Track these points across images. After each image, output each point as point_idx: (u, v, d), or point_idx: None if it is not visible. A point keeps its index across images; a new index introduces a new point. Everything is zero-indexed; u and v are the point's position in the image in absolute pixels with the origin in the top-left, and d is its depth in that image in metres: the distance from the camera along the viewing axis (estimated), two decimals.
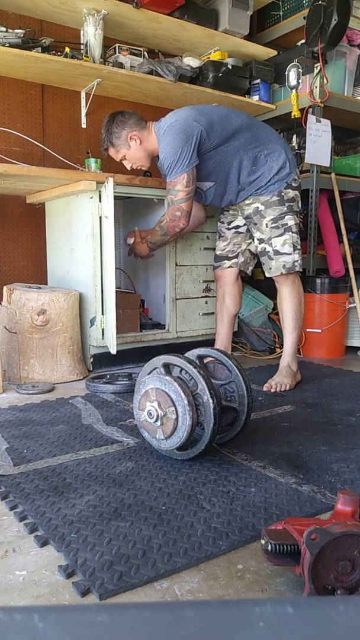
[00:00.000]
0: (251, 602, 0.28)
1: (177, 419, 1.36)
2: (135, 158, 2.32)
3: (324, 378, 2.50)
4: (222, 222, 2.52)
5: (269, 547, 0.87)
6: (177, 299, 2.78)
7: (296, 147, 3.50)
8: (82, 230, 2.54)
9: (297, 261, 2.29)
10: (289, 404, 2.06)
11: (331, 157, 3.12)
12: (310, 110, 2.99)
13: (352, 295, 3.03)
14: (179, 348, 2.76)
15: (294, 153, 3.57)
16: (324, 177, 3.06)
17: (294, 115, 2.97)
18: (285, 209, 2.28)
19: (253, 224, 2.36)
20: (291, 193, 2.29)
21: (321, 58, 2.91)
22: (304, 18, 2.95)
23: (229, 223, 2.48)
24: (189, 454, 1.43)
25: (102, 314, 2.49)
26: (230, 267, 2.47)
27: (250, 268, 2.55)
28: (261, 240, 2.33)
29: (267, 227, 2.30)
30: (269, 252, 2.30)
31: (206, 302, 2.89)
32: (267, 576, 0.94)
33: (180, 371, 1.50)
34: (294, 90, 2.94)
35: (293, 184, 2.30)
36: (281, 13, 3.33)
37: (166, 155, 2.15)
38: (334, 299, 2.95)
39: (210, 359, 1.60)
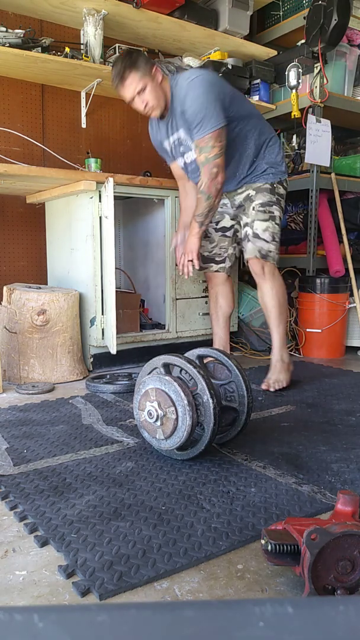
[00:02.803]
0: (251, 602, 0.28)
1: (177, 419, 1.36)
2: (155, 95, 2.08)
3: (324, 378, 2.50)
4: (210, 222, 2.37)
5: (269, 547, 0.87)
6: (177, 299, 2.78)
7: (296, 147, 3.50)
8: (82, 230, 2.54)
9: (271, 252, 2.25)
10: (289, 404, 2.06)
11: (331, 157, 3.12)
12: (310, 110, 2.99)
13: (352, 295, 3.03)
14: (179, 348, 2.76)
15: (294, 153, 3.58)
16: (324, 177, 3.06)
17: (294, 115, 2.97)
18: (275, 199, 2.26)
19: (242, 210, 2.32)
20: (282, 190, 2.29)
21: (321, 58, 2.91)
22: (304, 18, 2.95)
23: (217, 223, 2.42)
24: (189, 454, 1.43)
25: (102, 314, 2.49)
26: (217, 271, 2.44)
27: (231, 271, 2.52)
28: (245, 225, 2.29)
29: (253, 210, 2.26)
30: (248, 234, 2.27)
31: (206, 302, 2.89)
32: (267, 576, 0.94)
33: (180, 371, 1.50)
34: (294, 90, 2.94)
35: (284, 184, 2.31)
36: (281, 13, 3.33)
37: (197, 109, 2.00)
38: (334, 299, 2.95)
39: (210, 359, 1.60)
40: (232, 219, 2.41)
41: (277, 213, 2.27)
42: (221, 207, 2.39)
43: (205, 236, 2.37)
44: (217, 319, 2.51)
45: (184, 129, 2.13)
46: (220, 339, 2.52)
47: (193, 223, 2.16)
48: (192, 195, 2.31)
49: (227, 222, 2.41)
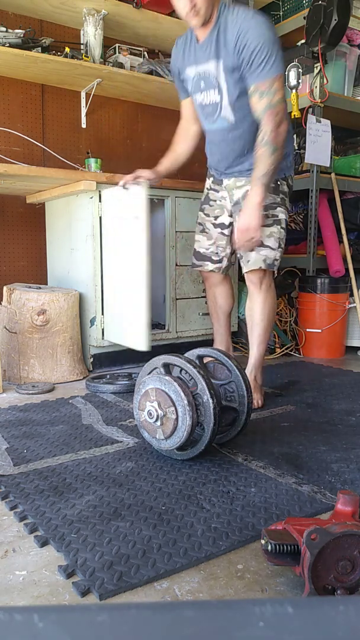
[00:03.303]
0: (251, 602, 0.28)
1: (177, 419, 1.36)
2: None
3: (324, 378, 2.50)
4: (208, 215, 2.20)
5: (269, 547, 0.87)
6: (177, 299, 2.78)
7: (296, 147, 3.50)
8: (82, 230, 2.54)
9: (277, 260, 2.04)
10: (289, 404, 2.05)
11: (331, 157, 3.12)
12: (310, 110, 2.99)
13: (352, 295, 3.03)
14: (179, 348, 2.76)
15: (293, 153, 3.58)
16: (324, 177, 3.06)
17: (294, 115, 2.97)
18: (279, 199, 2.03)
19: (240, 210, 2.02)
20: (286, 187, 2.07)
21: (321, 58, 2.91)
22: (304, 18, 2.94)
23: (215, 218, 2.18)
24: (189, 454, 1.43)
25: (102, 314, 2.49)
26: (212, 271, 2.21)
27: (228, 270, 2.29)
28: None
29: None
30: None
31: (206, 302, 2.88)
32: (267, 576, 0.94)
33: (180, 371, 1.50)
34: (294, 90, 2.94)
35: (289, 181, 2.10)
36: (281, 13, 3.33)
37: (264, 47, 1.78)
38: (334, 299, 2.95)
39: (210, 359, 1.60)
40: (229, 216, 2.16)
41: (282, 216, 2.04)
42: (219, 200, 2.17)
43: (202, 230, 2.21)
44: (218, 318, 2.36)
45: (221, 62, 1.86)
46: (222, 337, 2.38)
47: (256, 189, 1.86)
48: (190, 143, 2.16)
49: (225, 218, 2.17)
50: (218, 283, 2.27)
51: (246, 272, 2.08)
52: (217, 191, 2.16)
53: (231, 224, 2.17)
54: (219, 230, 2.19)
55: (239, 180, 2.07)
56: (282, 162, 1.97)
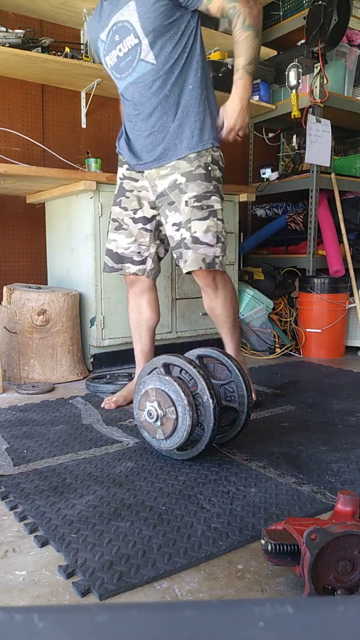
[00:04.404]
0: (251, 602, 0.28)
1: (177, 419, 1.36)
2: None
3: (324, 378, 2.50)
4: (125, 209, 1.90)
5: (269, 547, 0.87)
6: (177, 299, 2.78)
7: (296, 147, 3.51)
8: (82, 230, 2.54)
9: (218, 257, 1.78)
10: (289, 404, 2.06)
11: (331, 157, 3.12)
12: (310, 110, 2.99)
13: (352, 295, 3.03)
14: (179, 348, 2.76)
15: (294, 153, 3.58)
16: (324, 177, 3.06)
17: (294, 115, 2.97)
18: (212, 187, 1.76)
19: (168, 204, 1.79)
20: (218, 173, 1.79)
21: (321, 58, 2.91)
22: (304, 18, 2.95)
23: (135, 212, 1.89)
24: (189, 454, 1.43)
25: (102, 313, 2.49)
26: (136, 273, 1.93)
27: (157, 275, 2.00)
28: (177, 226, 1.78)
29: (187, 205, 1.75)
30: (185, 239, 1.76)
31: None
32: (267, 576, 0.94)
33: (180, 371, 1.50)
34: (294, 90, 2.94)
35: (221, 163, 1.81)
36: (281, 13, 3.33)
37: None
38: (334, 299, 2.95)
39: (210, 359, 1.60)
40: (152, 208, 1.89)
41: (217, 205, 1.77)
42: (139, 191, 1.89)
43: (118, 227, 1.91)
44: (140, 335, 2.01)
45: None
46: (146, 358, 2.02)
47: (243, 81, 1.65)
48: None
49: (147, 211, 1.89)
50: (145, 290, 1.96)
51: (195, 276, 1.85)
52: (136, 180, 1.89)
53: (154, 217, 1.91)
54: (140, 225, 1.90)
55: (163, 168, 1.80)
56: (206, 130, 1.74)
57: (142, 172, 1.87)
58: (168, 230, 1.83)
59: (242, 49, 1.64)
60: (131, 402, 1.96)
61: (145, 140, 1.80)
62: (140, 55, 1.68)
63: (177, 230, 1.79)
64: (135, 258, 1.93)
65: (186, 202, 1.75)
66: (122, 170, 1.93)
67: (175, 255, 1.84)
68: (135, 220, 1.90)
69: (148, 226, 1.91)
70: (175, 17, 1.65)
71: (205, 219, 1.75)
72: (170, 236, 1.83)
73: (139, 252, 1.92)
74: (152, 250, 1.93)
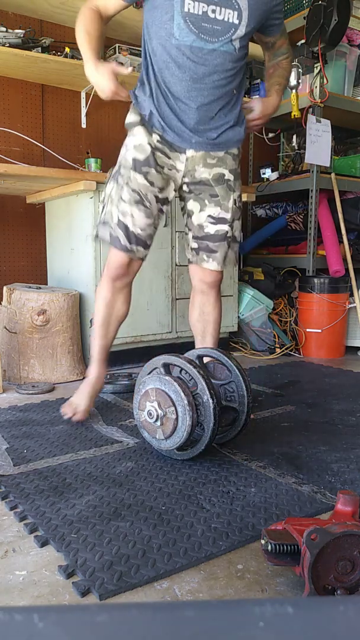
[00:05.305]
0: (251, 602, 0.28)
1: (177, 419, 1.36)
2: None
3: (324, 378, 2.50)
4: (152, 184, 1.66)
5: (269, 547, 0.87)
6: (177, 299, 2.78)
7: (296, 147, 3.51)
8: (82, 230, 2.54)
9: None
10: (289, 404, 2.05)
11: (331, 157, 3.12)
12: (310, 110, 2.99)
13: (352, 295, 3.03)
14: (179, 348, 2.76)
15: (294, 153, 3.58)
16: (324, 177, 3.06)
17: (294, 115, 2.97)
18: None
19: (209, 194, 1.72)
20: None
21: (321, 58, 2.91)
22: (304, 18, 2.95)
23: (160, 190, 1.68)
24: (189, 454, 1.43)
25: None
26: (141, 259, 1.74)
27: None
28: (221, 221, 1.73)
29: (235, 204, 1.75)
30: (229, 237, 1.76)
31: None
32: (267, 576, 0.94)
33: (180, 371, 1.50)
34: (294, 90, 2.94)
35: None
36: None
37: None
38: (334, 299, 2.95)
39: (210, 359, 1.60)
40: (175, 190, 1.74)
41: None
42: (169, 169, 1.69)
43: (140, 202, 1.65)
44: (108, 330, 1.79)
45: None
46: (106, 352, 1.83)
47: (278, 94, 1.80)
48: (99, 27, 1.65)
49: (170, 192, 1.72)
50: (128, 284, 1.78)
51: (209, 271, 1.79)
52: (168, 157, 1.68)
53: (170, 202, 1.75)
54: (159, 206, 1.71)
55: (210, 157, 1.68)
56: (244, 129, 1.75)
57: (183, 151, 1.67)
58: (199, 219, 1.74)
59: (286, 74, 1.85)
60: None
61: (204, 117, 1.62)
62: (233, 36, 1.58)
63: (220, 225, 1.74)
64: (148, 242, 1.71)
65: (234, 200, 1.74)
66: (150, 139, 1.65)
67: (196, 246, 1.77)
68: (157, 200, 1.69)
69: (164, 208, 1.74)
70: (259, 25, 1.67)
71: (240, 219, 1.80)
72: (200, 225, 1.74)
73: (151, 236, 1.71)
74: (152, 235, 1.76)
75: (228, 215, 1.74)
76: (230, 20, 1.55)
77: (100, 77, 1.56)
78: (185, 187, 1.74)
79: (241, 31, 1.58)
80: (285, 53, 1.83)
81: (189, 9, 1.51)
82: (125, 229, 1.66)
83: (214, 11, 1.53)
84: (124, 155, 1.69)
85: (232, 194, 1.74)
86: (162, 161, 1.67)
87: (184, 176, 1.71)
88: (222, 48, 1.57)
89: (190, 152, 1.67)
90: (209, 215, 1.73)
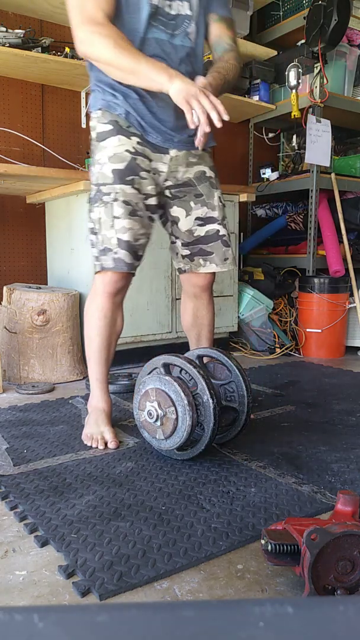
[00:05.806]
0: (251, 602, 0.28)
1: (177, 419, 1.36)
2: None
3: (324, 378, 2.50)
4: (139, 191, 1.54)
5: (269, 547, 0.87)
6: (177, 299, 2.78)
7: (296, 147, 3.51)
8: (82, 230, 2.54)
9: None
10: (289, 404, 2.06)
11: (331, 157, 3.12)
12: (310, 110, 2.99)
13: (352, 295, 3.03)
14: (179, 348, 2.76)
15: (294, 153, 3.59)
16: (324, 177, 3.06)
17: (294, 115, 2.97)
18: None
19: (194, 195, 1.63)
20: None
21: (321, 58, 2.91)
22: (304, 18, 2.95)
23: (146, 197, 1.57)
24: (189, 454, 1.43)
25: None
26: (132, 273, 1.60)
27: None
28: (210, 221, 1.65)
29: (220, 201, 1.66)
30: (223, 235, 1.67)
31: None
32: (267, 576, 0.94)
33: (180, 371, 1.50)
34: (294, 90, 2.94)
35: None
36: (281, 13, 3.33)
37: None
38: (334, 299, 2.95)
39: (210, 359, 1.60)
40: (157, 195, 1.61)
41: None
42: (153, 173, 1.58)
43: (134, 212, 1.53)
44: (110, 346, 1.66)
45: None
46: (108, 368, 1.71)
47: (216, 81, 1.47)
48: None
49: (154, 199, 1.60)
50: (123, 298, 1.66)
51: (203, 275, 1.72)
52: (149, 159, 1.57)
53: (161, 207, 1.65)
54: (148, 214, 1.59)
55: (192, 155, 1.61)
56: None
57: (166, 152, 1.58)
58: (187, 224, 1.65)
59: (229, 70, 1.54)
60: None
61: (182, 113, 1.42)
62: (188, 29, 1.51)
63: (212, 224, 1.65)
64: (140, 253, 1.59)
65: (219, 198, 1.66)
66: (131, 143, 1.53)
67: (188, 252, 1.68)
68: (147, 207, 1.57)
69: (154, 216, 1.64)
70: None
71: (226, 218, 1.72)
72: (189, 230, 1.65)
73: (143, 246, 1.60)
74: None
75: (216, 214, 1.65)
76: (184, 13, 1.50)
77: (190, 84, 1.37)
78: (167, 192, 1.64)
79: (193, 26, 1.53)
80: (228, 46, 1.59)
81: (154, 2, 1.45)
82: (128, 246, 1.54)
83: (170, 6, 1.48)
84: (100, 172, 1.54)
85: (216, 192, 1.66)
86: (146, 164, 1.56)
87: (166, 179, 1.60)
88: (177, 41, 1.50)
89: (173, 152, 1.59)
90: (197, 218, 1.65)
